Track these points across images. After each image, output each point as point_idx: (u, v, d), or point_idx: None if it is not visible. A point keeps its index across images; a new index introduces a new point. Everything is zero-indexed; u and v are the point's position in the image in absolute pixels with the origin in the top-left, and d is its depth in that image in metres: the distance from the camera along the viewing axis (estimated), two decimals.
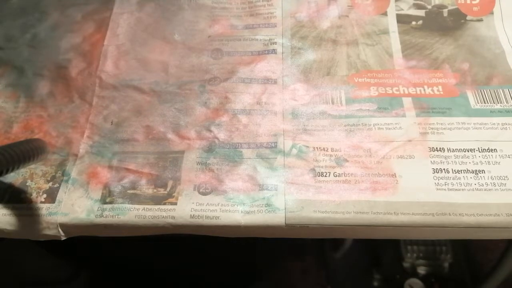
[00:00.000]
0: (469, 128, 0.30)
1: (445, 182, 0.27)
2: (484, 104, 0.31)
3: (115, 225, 0.28)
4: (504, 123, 0.30)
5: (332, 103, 0.32)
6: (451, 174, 0.28)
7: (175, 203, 0.28)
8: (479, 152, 0.28)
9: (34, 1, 0.40)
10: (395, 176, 0.28)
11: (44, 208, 0.28)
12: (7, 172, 0.24)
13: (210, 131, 0.31)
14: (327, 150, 0.29)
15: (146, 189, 0.29)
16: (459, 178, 0.27)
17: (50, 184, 0.29)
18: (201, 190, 0.28)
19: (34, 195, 0.29)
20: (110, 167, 0.30)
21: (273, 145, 0.30)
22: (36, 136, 0.32)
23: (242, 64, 0.34)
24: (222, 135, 0.31)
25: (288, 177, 0.28)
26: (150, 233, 0.28)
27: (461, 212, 0.26)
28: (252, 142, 0.30)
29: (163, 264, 0.73)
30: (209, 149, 0.30)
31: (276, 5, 0.37)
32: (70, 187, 0.29)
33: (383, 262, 0.63)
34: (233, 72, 0.34)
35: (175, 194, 0.28)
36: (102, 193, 0.29)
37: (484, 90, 0.31)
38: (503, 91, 0.31)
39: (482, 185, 0.27)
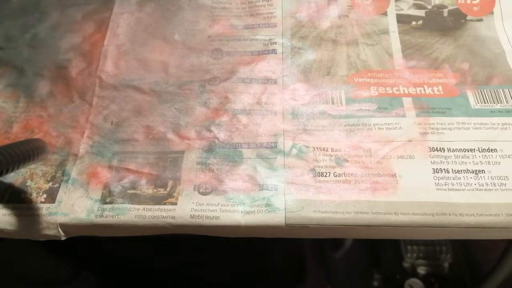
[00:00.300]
0: (469, 128, 0.30)
1: (445, 182, 0.27)
2: (484, 104, 0.31)
3: (115, 225, 0.28)
4: (504, 123, 0.30)
5: (332, 103, 0.32)
6: (451, 174, 0.28)
7: (175, 203, 0.28)
8: (479, 152, 0.28)
9: (34, 1, 0.40)
10: (395, 176, 0.28)
11: (44, 208, 0.28)
12: (7, 172, 0.24)
13: (210, 131, 0.31)
14: (327, 150, 0.29)
15: (146, 189, 0.29)
16: (459, 178, 0.27)
17: (50, 184, 0.29)
18: (201, 190, 0.28)
19: (34, 195, 0.29)
20: (110, 167, 0.30)
21: (273, 145, 0.30)
22: (36, 136, 0.32)
23: (242, 64, 0.34)
24: (222, 135, 0.31)
25: (288, 177, 0.28)
26: (150, 233, 0.28)
27: (461, 212, 0.26)
28: (252, 142, 0.30)
29: (163, 264, 0.73)
30: (209, 149, 0.30)
31: (276, 5, 0.37)
32: (70, 187, 0.29)
33: (383, 262, 0.63)
34: (233, 72, 0.34)
35: (175, 194, 0.28)
36: (102, 193, 0.29)
37: (484, 90, 0.31)
38: (503, 91, 0.31)
39: (482, 185, 0.27)
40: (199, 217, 0.27)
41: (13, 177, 0.30)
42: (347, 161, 0.29)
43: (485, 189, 0.27)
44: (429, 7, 0.36)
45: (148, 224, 0.27)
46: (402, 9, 0.36)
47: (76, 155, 0.31)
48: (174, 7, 0.38)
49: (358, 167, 0.29)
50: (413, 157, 0.29)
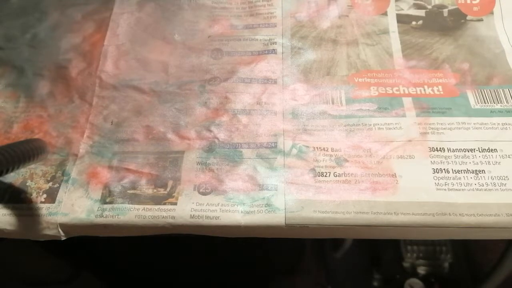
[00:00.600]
0: (469, 128, 0.30)
1: (445, 182, 0.27)
2: (484, 104, 0.31)
3: (115, 225, 0.28)
4: (504, 123, 0.30)
5: (332, 103, 0.32)
6: (451, 174, 0.28)
7: (175, 203, 0.28)
8: (479, 152, 0.28)
9: (34, 1, 0.40)
10: (395, 176, 0.28)
11: (44, 208, 0.28)
12: (7, 172, 0.24)
13: (210, 131, 0.31)
14: (327, 150, 0.29)
15: (146, 189, 0.29)
16: (459, 178, 0.27)
17: (50, 184, 0.29)
18: (201, 190, 0.28)
19: (34, 195, 0.29)
20: (110, 167, 0.30)
21: (273, 145, 0.30)
22: (36, 136, 0.32)
23: (242, 64, 0.34)
24: (222, 135, 0.31)
25: (288, 177, 0.28)
26: (150, 233, 0.28)
27: (461, 212, 0.26)
28: (252, 142, 0.30)
29: (163, 264, 0.73)
30: (209, 149, 0.30)
31: (276, 5, 0.37)
32: (70, 187, 0.29)
33: (383, 262, 0.63)
34: (233, 72, 0.34)
35: (175, 194, 0.28)
36: (102, 193, 0.29)
37: (484, 90, 0.31)
38: (503, 91, 0.31)
39: (482, 185, 0.27)
40: (199, 217, 0.27)
41: (13, 177, 0.30)
42: (347, 161, 0.29)
43: (485, 189, 0.27)
44: (429, 7, 0.36)
45: (148, 224, 0.27)
46: (402, 9, 0.36)
47: (76, 155, 0.31)
48: (174, 7, 0.38)
49: (358, 167, 0.29)
50: (413, 157, 0.29)
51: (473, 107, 0.31)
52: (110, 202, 0.28)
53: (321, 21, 0.36)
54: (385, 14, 0.36)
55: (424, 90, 0.32)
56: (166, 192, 0.28)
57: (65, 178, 0.30)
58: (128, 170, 0.30)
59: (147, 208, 0.28)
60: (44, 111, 0.33)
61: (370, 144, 0.29)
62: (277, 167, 0.29)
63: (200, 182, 0.29)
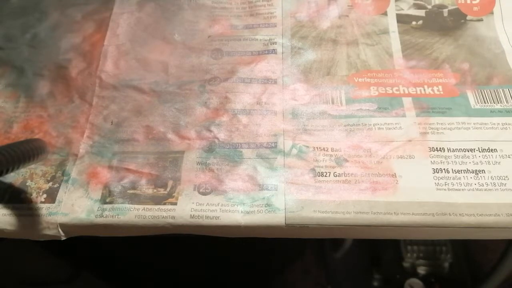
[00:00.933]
0: (469, 128, 0.30)
1: (445, 182, 0.27)
2: (484, 104, 0.31)
3: (115, 225, 0.28)
4: (504, 123, 0.30)
5: (332, 103, 0.32)
6: (451, 174, 0.28)
7: (175, 203, 0.28)
8: (479, 152, 0.28)
9: (34, 1, 0.40)
10: (395, 176, 0.28)
11: (44, 208, 0.28)
12: (7, 172, 0.24)
13: (210, 131, 0.31)
14: (327, 150, 0.29)
15: (146, 189, 0.29)
16: (459, 178, 0.27)
17: (50, 184, 0.29)
18: (201, 190, 0.28)
19: (34, 195, 0.29)
20: (110, 167, 0.30)
21: (273, 145, 0.30)
22: (36, 136, 0.32)
23: (242, 64, 0.34)
24: (222, 135, 0.31)
25: (288, 177, 0.28)
26: (150, 233, 0.28)
27: (461, 212, 0.26)
28: (252, 142, 0.30)
29: (163, 264, 0.73)
30: (209, 149, 0.30)
31: (276, 5, 0.37)
32: (70, 187, 0.29)
33: (383, 262, 0.63)
34: (233, 72, 0.34)
35: (175, 194, 0.28)
36: (102, 193, 0.29)
37: (484, 90, 0.31)
38: (503, 91, 0.31)
39: (482, 185, 0.27)
40: (199, 217, 0.27)
41: (13, 177, 0.30)
42: (347, 161, 0.29)
43: (485, 189, 0.27)
44: (429, 7, 0.36)
45: (148, 224, 0.27)
46: (402, 9, 0.36)
47: (76, 155, 0.31)
48: (174, 7, 0.38)
49: (358, 167, 0.29)
50: (413, 157, 0.29)
51: (473, 107, 0.31)
52: (110, 202, 0.28)
53: (321, 21, 0.36)
54: (385, 14, 0.36)
55: (424, 90, 0.32)
56: (166, 192, 0.28)
57: (65, 178, 0.30)
58: (128, 170, 0.30)
59: (147, 208, 0.28)
60: (44, 111, 0.33)
61: (370, 144, 0.29)
62: (277, 167, 0.29)
63: (200, 182, 0.29)
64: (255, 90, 0.33)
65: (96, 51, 0.36)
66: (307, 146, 0.30)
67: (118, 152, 0.31)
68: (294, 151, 0.30)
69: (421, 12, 0.36)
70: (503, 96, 0.31)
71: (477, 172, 0.28)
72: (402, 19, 0.36)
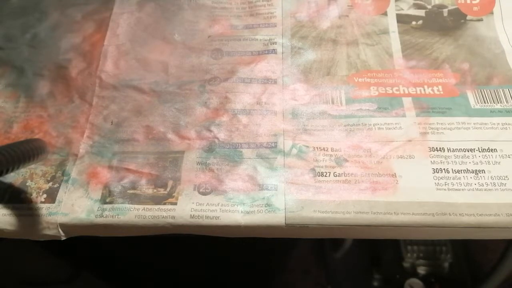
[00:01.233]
0: (469, 128, 0.30)
1: (445, 182, 0.27)
2: (484, 104, 0.31)
3: (115, 225, 0.28)
4: (504, 123, 0.30)
5: (332, 103, 0.32)
6: (451, 174, 0.28)
7: (175, 203, 0.28)
8: (479, 152, 0.28)
9: (34, 1, 0.40)
10: (395, 176, 0.28)
11: (44, 208, 0.28)
12: (7, 172, 0.24)
13: (210, 131, 0.31)
14: (327, 150, 0.29)
15: (146, 189, 0.29)
16: (459, 178, 0.27)
17: (50, 184, 0.29)
18: (201, 190, 0.28)
19: (34, 195, 0.29)
20: (110, 167, 0.30)
21: (273, 145, 0.30)
22: (36, 136, 0.32)
23: (242, 64, 0.34)
24: (222, 135, 0.31)
25: (288, 177, 0.28)
26: (150, 233, 0.28)
27: (461, 212, 0.26)
28: (252, 142, 0.30)
29: (163, 264, 0.73)
30: (209, 149, 0.30)
31: (276, 5, 0.37)
32: (70, 187, 0.29)
33: (383, 262, 0.63)
34: (233, 72, 0.34)
35: (175, 194, 0.28)
36: (102, 193, 0.29)
37: (484, 90, 0.31)
38: (503, 91, 0.31)
39: (482, 185, 0.27)
40: (199, 217, 0.27)
41: (13, 177, 0.30)
42: (347, 161, 0.29)
43: (485, 189, 0.27)
44: (429, 7, 0.36)
45: (148, 224, 0.27)
46: (402, 9, 0.36)
47: (76, 155, 0.31)
48: (174, 7, 0.38)
49: (358, 167, 0.29)
50: (413, 157, 0.29)
51: (473, 107, 0.31)
52: (110, 202, 0.28)
53: (321, 21, 0.36)
54: (385, 14, 0.36)
55: (424, 90, 0.32)
56: (166, 192, 0.28)
57: (65, 178, 0.30)
58: (128, 170, 0.30)
59: (147, 208, 0.28)
60: (44, 111, 0.33)
61: (370, 144, 0.29)
62: (277, 167, 0.29)
63: (200, 182, 0.29)
64: (255, 90, 0.33)
65: (96, 51, 0.36)
66: (307, 146, 0.30)
67: (118, 152, 0.31)
68: (294, 151, 0.30)
69: (421, 12, 0.36)
70: (503, 96, 0.31)
71: (477, 172, 0.28)
72: (402, 19, 0.36)
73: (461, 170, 0.28)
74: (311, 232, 0.28)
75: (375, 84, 0.32)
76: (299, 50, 0.35)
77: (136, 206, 0.28)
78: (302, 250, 0.78)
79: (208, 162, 0.29)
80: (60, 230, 0.28)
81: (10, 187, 0.29)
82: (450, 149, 0.29)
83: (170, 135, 0.31)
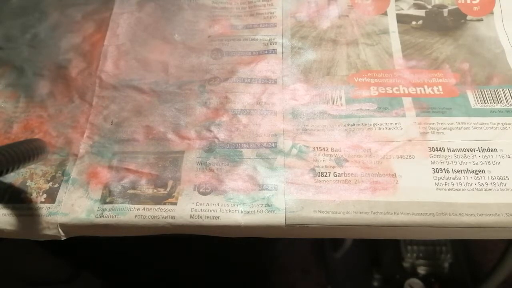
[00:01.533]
0: (469, 128, 0.30)
1: (445, 182, 0.27)
2: (484, 104, 0.31)
3: (115, 225, 0.28)
4: (504, 123, 0.30)
5: (332, 103, 0.32)
6: (451, 174, 0.28)
7: (175, 203, 0.28)
8: (479, 152, 0.28)
9: (34, 1, 0.40)
10: (395, 176, 0.28)
11: (44, 208, 0.28)
12: (7, 172, 0.24)
13: (210, 131, 0.31)
14: (327, 150, 0.29)
15: (146, 189, 0.29)
16: (459, 178, 0.27)
17: (50, 184, 0.29)
18: (201, 190, 0.28)
19: (34, 195, 0.29)
20: (110, 167, 0.30)
21: (273, 145, 0.30)
22: (36, 136, 0.32)
23: (242, 64, 0.34)
24: (222, 135, 0.31)
25: (288, 177, 0.28)
26: (150, 233, 0.28)
27: (461, 212, 0.26)
28: (252, 142, 0.30)
29: (163, 264, 0.73)
30: (209, 149, 0.30)
31: (276, 5, 0.37)
32: (70, 187, 0.29)
33: (383, 262, 0.63)
34: (233, 72, 0.34)
35: (175, 194, 0.28)
36: (102, 193, 0.29)
37: (484, 90, 0.31)
38: (503, 91, 0.31)
39: (482, 185, 0.27)
40: (199, 217, 0.27)
41: (13, 177, 0.30)
42: (347, 161, 0.29)
43: (485, 189, 0.27)
44: (429, 7, 0.36)
45: (148, 224, 0.27)
46: (402, 9, 0.36)
47: (76, 155, 0.31)
48: (174, 7, 0.38)
49: (358, 167, 0.28)
50: (413, 157, 0.29)
51: (473, 107, 0.31)
52: (110, 202, 0.28)
53: (321, 21, 0.36)
54: (385, 14, 0.36)
55: (424, 90, 0.32)
56: (166, 192, 0.28)
57: (65, 178, 0.30)
58: (128, 170, 0.30)
59: (147, 208, 0.28)
60: (44, 111, 0.33)
61: (370, 144, 0.29)
62: (277, 167, 0.29)
63: (200, 182, 0.29)
64: (255, 90, 0.33)
65: (96, 51, 0.36)
66: (307, 146, 0.30)
67: (118, 152, 0.31)
68: (294, 151, 0.30)
69: (421, 12, 0.36)
70: (503, 96, 0.31)
71: (477, 172, 0.28)
72: (402, 19, 0.36)
73: (461, 170, 0.28)
74: (311, 232, 0.28)
75: (375, 84, 0.32)
76: (299, 50, 0.35)
77: (136, 206, 0.28)
78: (302, 250, 0.78)
79: (208, 162, 0.29)
80: (60, 230, 0.28)
81: (10, 187, 0.29)
82: (450, 149, 0.29)
83: (170, 135, 0.31)
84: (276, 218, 0.27)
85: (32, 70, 0.35)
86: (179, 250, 0.71)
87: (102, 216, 0.28)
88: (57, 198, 0.29)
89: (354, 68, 0.33)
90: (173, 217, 0.27)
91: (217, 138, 0.31)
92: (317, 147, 0.30)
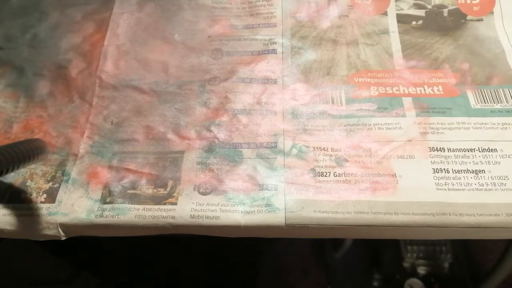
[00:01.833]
0: (469, 128, 0.30)
1: (445, 182, 0.27)
2: (484, 104, 0.31)
3: (115, 225, 0.28)
4: (504, 123, 0.30)
5: (332, 103, 0.32)
6: (451, 174, 0.28)
7: (175, 203, 0.28)
8: (479, 152, 0.28)
9: (34, 1, 0.40)
10: (395, 176, 0.28)
11: (44, 208, 0.28)
12: (7, 172, 0.24)
13: (210, 131, 0.31)
14: (327, 150, 0.29)
15: (146, 189, 0.29)
16: (459, 178, 0.27)
17: (50, 184, 0.29)
18: (201, 190, 0.28)
19: (34, 195, 0.29)
20: (110, 167, 0.30)
21: (273, 145, 0.30)
22: (36, 136, 0.32)
23: (242, 64, 0.34)
24: (222, 135, 0.31)
25: (288, 177, 0.28)
26: (150, 233, 0.28)
27: (461, 212, 0.26)
28: (252, 142, 0.30)
29: (163, 264, 0.73)
30: (209, 149, 0.30)
31: (276, 5, 0.37)
32: (70, 187, 0.29)
33: (383, 262, 0.63)
34: (233, 72, 0.34)
35: (175, 194, 0.28)
36: (102, 193, 0.29)
37: (484, 90, 0.31)
38: (503, 90, 0.31)
39: (482, 185, 0.27)
40: (199, 217, 0.27)
41: (13, 177, 0.30)
42: (347, 161, 0.29)
43: (485, 189, 0.27)
44: (429, 7, 0.36)
45: (148, 224, 0.27)
46: (402, 9, 0.36)
47: (76, 155, 0.31)
48: (174, 7, 0.38)
49: (358, 167, 0.29)
50: (413, 157, 0.29)
51: (473, 107, 0.31)
52: (110, 202, 0.28)
53: (321, 21, 0.36)
54: (385, 14, 0.36)
55: (424, 90, 0.32)
56: (166, 192, 0.28)
57: (65, 178, 0.30)
58: (128, 170, 0.30)
59: (147, 208, 0.28)
60: (44, 111, 0.33)
61: (370, 144, 0.29)
62: (277, 167, 0.29)
63: (200, 182, 0.29)
64: (255, 90, 0.33)
65: (96, 51, 0.36)
66: (307, 146, 0.30)
67: (118, 152, 0.31)
68: (294, 151, 0.30)
69: (421, 12, 0.36)
70: (503, 96, 0.31)
71: (477, 172, 0.28)
72: (402, 19, 0.36)
73: (461, 170, 0.28)
74: (311, 232, 0.28)
75: (375, 84, 0.32)
76: (299, 50, 0.35)
77: (136, 206, 0.28)
78: (302, 250, 0.78)
79: (208, 162, 0.29)
80: (60, 230, 0.28)
81: (10, 187, 0.29)
82: (450, 149, 0.29)
83: (170, 135, 0.31)
84: (276, 218, 0.27)
85: (32, 70, 0.35)
86: (179, 250, 0.71)
87: (102, 216, 0.28)
88: (57, 198, 0.29)
89: (354, 68, 0.33)
90: (173, 217, 0.27)
91: (217, 138, 0.31)
92: (317, 147, 0.30)
